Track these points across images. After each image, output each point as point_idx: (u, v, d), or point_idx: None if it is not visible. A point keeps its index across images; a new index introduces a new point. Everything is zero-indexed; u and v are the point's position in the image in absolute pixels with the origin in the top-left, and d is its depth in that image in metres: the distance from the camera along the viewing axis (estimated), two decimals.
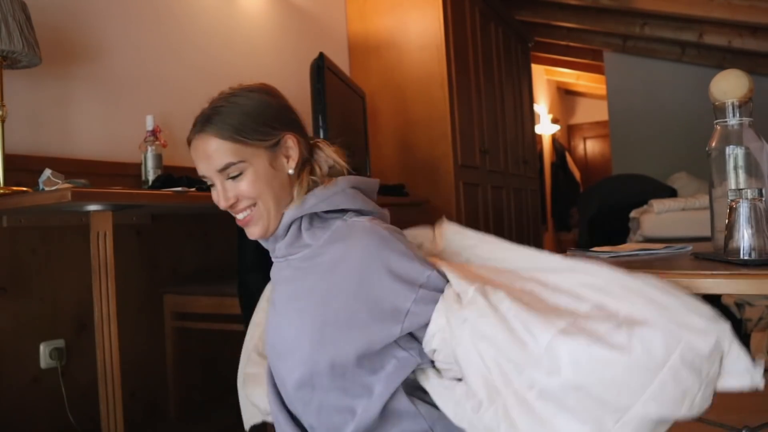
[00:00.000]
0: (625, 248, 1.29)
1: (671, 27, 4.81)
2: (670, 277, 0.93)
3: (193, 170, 2.30)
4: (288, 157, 0.97)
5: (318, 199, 0.94)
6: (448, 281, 0.91)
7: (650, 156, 5.49)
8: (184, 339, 2.24)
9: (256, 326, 1.24)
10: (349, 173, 1.02)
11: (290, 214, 0.95)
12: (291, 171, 0.97)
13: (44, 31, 1.89)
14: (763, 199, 1.00)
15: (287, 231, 0.96)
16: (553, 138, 7.56)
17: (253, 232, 0.97)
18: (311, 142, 1.04)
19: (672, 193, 4.27)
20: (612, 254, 1.19)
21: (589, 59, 6.36)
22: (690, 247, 1.28)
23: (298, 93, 2.68)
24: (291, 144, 0.97)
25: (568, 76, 7.50)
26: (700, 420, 1.73)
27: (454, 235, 1.06)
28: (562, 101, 8.32)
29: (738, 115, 1.16)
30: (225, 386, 2.49)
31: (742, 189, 1.02)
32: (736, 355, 0.73)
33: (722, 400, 2.13)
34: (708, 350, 0.71)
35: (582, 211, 4.51)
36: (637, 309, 0.76)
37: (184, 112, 2.47)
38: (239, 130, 0.94)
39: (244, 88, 1.01)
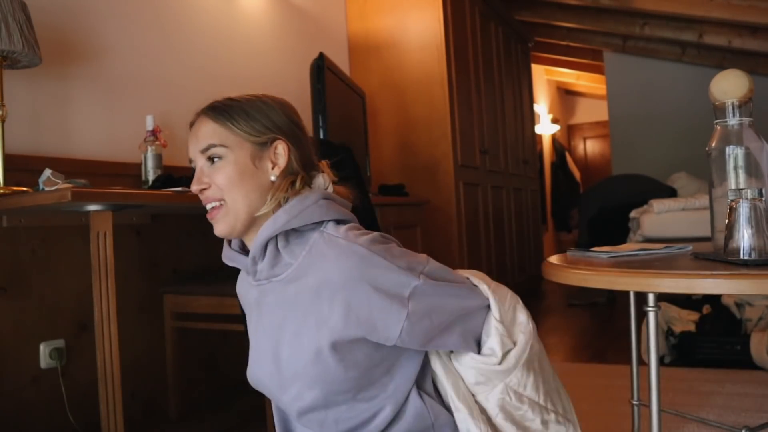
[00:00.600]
0: (625, 248, 1.28)
1: (671, 27, 4.81)
2: (670, 277, 0.93)
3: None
4: (274, 163, 0.94)
5: (290, 215, 0.90)
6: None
7: (650, 156, 5.49)
8: (184, 339, 2.24)
9: None
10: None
11: (264, 233, 0.91)
12: (273, 177, 0.94)
13: (44, 31, 1.89)
14: (763, 199, 1.00)
15: (264, 251, 0.92)
16: (553, 138, 7.56)
17: (218, 229, 0.94)
18: (317, 162, 1.01)
19: (672, 193, 4.27)
20: (612, 254, 1.19)
21: (589, 59, 6.36)
22: (690, 247, 1.28)
23: (298, 93, 2.69)
24: (280, 151, 0.94)
25: (568, 76, 7.50)
26: (700, 420, 1.73)
27: None
28: (562, 101, 8.32)
29: (738, 115, 1.15)
30: (225, 386, 2.49)
31: (742, 189, 1.02)
32: None
33: (722, 400, 2.14)
34: None
35: (582, 211, 4.51)
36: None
37: (184, 112, 2.46)
38: (231, 117, 0.93)
39: (262, 94, 1.00)
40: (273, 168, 0.94)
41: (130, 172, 2.16)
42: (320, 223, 0.92)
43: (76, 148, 2.05)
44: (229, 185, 0.92)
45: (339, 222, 0.93)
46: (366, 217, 1.44)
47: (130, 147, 2.17)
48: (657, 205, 3.63)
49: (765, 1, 3.89)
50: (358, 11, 3.67)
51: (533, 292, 4.88)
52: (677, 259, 1.15)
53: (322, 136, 2.28)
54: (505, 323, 0.95)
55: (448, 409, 0.95)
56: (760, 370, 2.34)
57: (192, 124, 0.97)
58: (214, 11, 2.68)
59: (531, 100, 5.27)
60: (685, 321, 2.60)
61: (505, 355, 0.93)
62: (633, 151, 5.65)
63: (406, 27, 3.53)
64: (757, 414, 1.87)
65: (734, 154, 1.13)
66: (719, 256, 1.04)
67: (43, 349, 1.87)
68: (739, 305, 2.56)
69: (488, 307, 0.95)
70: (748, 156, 1.12)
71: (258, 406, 2.12)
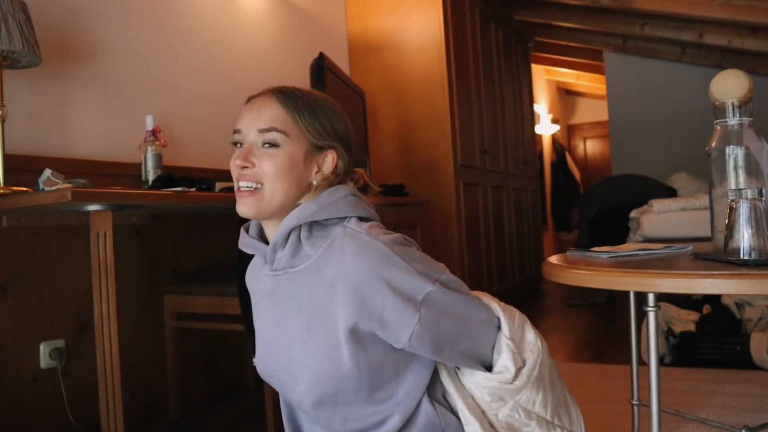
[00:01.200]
0: (625, 248, 1.28)
1: (671, 27, 4.81)
2: (670, 277, 0.93)
3: (193, 170, 2.30)
4: (319, 169, 0.95)
5: (318, 207, 0.91)
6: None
7: (650, 156, 5.49)
8: (184, 339, 2.24)
9: None
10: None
11: (289, 221, 0.91)
12: (314, 181, 0.94)
13: (44, 31, 1.89)
14: (763, 199, 1.00)
15: (286, 240, 0.92)
16: (553, 138, 7.56)
17: (244, 210, 0.92)
18: (353, 169, 1.02)
19: (672, 193, 4.27)
20: (612, 254, 1.19)
21: (589, 59, 6.36)
22: (690, 247, 1.28)
23: None
24: (330, 159, 0.95)
25: (568, 76, 7.50)
26: (700, 420, 1.73)
27: None
28: (562, 101, 8.32)
29: (738, 115, 1.16)
30: (225, 386, 2.49)
31: (742, 189, 1.02)
32: None
33: (722, 400, 2.14)
34: None
35: (582, 211, 4.51)
36: None
37: (184, 112, 2.48)
38: (300, 110, 0.93)
39: (327, 96, 1.00)
40: (317, 172, 0.94)
41: (130, 172, 2.16)
42: (344, 218, 0.92)
43: (76, 148, 2.05)
44: (275, 176, 0.91)
45: (362, 219, 0.93)
46: None
47: (130, 147, 2.17)
48: (657, 205, 3.63)
49: (765, 1, 3.89)
50: (358, 11, 3.67)
51: (533, 292, 4.88)
52: (677, 259, 1.15)
53: None
54: (515, 341, 0.96)
55: (457, 416, 0.95)
56: (760, 370, 2.34)
57: (252, 98, 0.96)
58: (214, 11, 2.68)
59: (531, 100, 5.27)
60: (685, 321, 2.60)
61: (517, 372, 0.93)
62: (633, 151, 5.65)
63: (406, 27, 3.53)
64: (757, 414, 1.87)
65: (734, 154, 1.13)
66: (719, 256, 1.04)
67: (43, 349, 1.87)
68: (739, 305, 2.56)
69: (498, 326, 0.96)
70: (748, 156, 1.12)
71: (258, 406, 2.12)
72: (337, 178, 0.97)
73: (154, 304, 2.18)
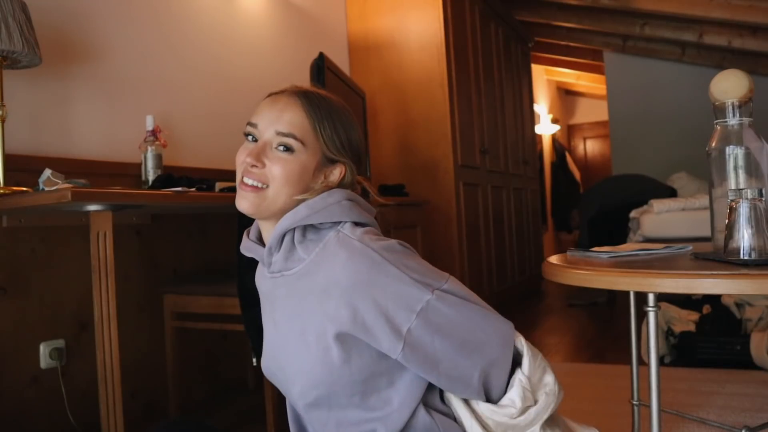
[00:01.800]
0: (625, 248, 1.28)
1: (671, 27, 4.81)
2: (670, 277, 0.93)
3: (193, 170, 2.30)
4: (326, 178, 0.94)
5: (311, 210, 0.89)
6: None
7: (650, 156, 5.49)
8: (184, 339, 2.24)
9: None
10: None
11: (283, 224, 0.90)
12: (317, 188, 0.93)
13: (44, 31, 1.89)
14: (763, 199, 1.00)
15: (281, 243, 0.92)
16: (553, 138, 7.57)
17: (243, 205, 0.91)
18: (356, 178, 1.01)
19: (672, 193, 4.27)
20: (612, 254, 1.19)
21: (589, 59, 6.36)
22: (690, 247, 1.28)
23: None
24: (337, 173, 0.95)
25: (568, 76, 7.50)
26: (700, 420, 1.73)
27: None
28: (562, 101, 8.32)
29: (738, 115, 1.16)
30: (225, 386, 2.49)
31: (742, 189, 1.02)
32: None
33: (722, 400, 2.14)
34: None
35: (582, 211, 4.51)
36: None
37: (184, 112, 2.48)
38: (322, 120, 0.92)
39: (345, 104, 1.00)
40: (322, 183, 0.94)
41: (130, 172, 2.16)
42: (338, 222, 0.91)
43: (76, 148, 2.05)
44: (284, 181, 0.90)
45: (357, 224, 0.91)
46: None
47: (130, 147, 2.17)
48: (657, 205, 3.63)
49: (765, 1, 3.89)
50: (358, 11, 3.67)
51: (533, 292, 4.88)
52: (677, 259, 1.15)
53: None
54: (532, 381, 0.90)
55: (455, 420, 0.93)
56: (760, 370, 2.34)
57: (274, 95, 0.95)
58: (214, 11, 2.68)
59: (531, 100, 5.27)
60: (685, 321, 2.60)
61: (525, 409, 0.89)
62: (633, 151, 5.65)
63: (406, 27, 3.53)
64: (757, 414, 1.87)
65: (734, 154, 1.13)
66: (719, 256, 1.04)
67: (43, 349, 1.87)
68: (739, 305, 2.56)
69: (510, 349, 0.90)
70: (748, 156, 1.12)
71: (258, 406, 2.12)
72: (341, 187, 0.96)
73: (154, 304, 2.18)
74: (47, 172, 1.60)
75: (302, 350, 0.90)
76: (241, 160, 0.92)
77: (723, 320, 2.53)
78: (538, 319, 3.85)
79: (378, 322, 0.83)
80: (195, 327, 2.18)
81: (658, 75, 5.57)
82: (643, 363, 1.55)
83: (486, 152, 3.96)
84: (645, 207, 3.78)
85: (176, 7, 2.49)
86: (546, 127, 7.35)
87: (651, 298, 1.03)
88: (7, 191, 1.62)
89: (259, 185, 0.91)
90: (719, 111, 1.18)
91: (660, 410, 1.03)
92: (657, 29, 4.87)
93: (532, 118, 5.29)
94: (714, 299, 2.68)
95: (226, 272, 2.37)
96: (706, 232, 1.26)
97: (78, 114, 2.06)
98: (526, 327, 3.54)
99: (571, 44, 5.97)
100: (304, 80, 2.35)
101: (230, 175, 2.60)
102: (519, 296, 4.46)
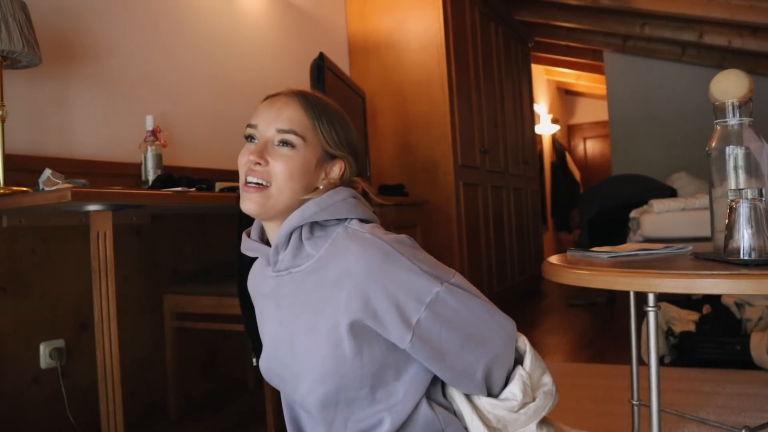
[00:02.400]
0: (625, 248, 1.28)
1: (671, 27, 4.81)
2: (670, 277, 0.93)
3: (193, 170, 2.30)
4: (326, 176, 0.97)
5: (319, 207, 0.92)
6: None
7: (650, 156, 5.49)
8: (184, 339, 2.24)
9: None
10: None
11: (291, 221, 0.92)
12: (320, 186, 0.96)
13: (44, 31, 1.89)
14: (763, 199, 1.00)
15: (288, 240, 0.93)
16: (553, 138, 7.57)
17: (248, 207, 0.93)
18: (353, 178, 1.03)
19: (672, 193, 4.27)
20: (612, 254, 1.19)
21: (589, 59, 6.36)
22: (690, 247, 1.28)
23: None
24: (337, 169, 0.97)
25: (568, 76, 7.50)
26: (700, 420, 1.73)
27: None
28: (562, 101, 8.32)
29: (738, 115, 1.16)
30: (225, 386, 2.49)
31: (742, 189, 1.02)
32: None
33: (722, 400, 2.14)
34: None
35: (582, 211, 4.51)
36: None
37: (184, 112, 2.48)
38: (320, 117, 0.94)
39: (340, 107, 1.03)
40: (323, 178, 0.96)
41: (130, 172, 2.16)
42: (344, 219, 0.93)
43: (76, 148, 2.05)
44: (286, 177, 0.92)
45: (363, 221, 0.94)
46: None
47: (130, 147, 2.17)
48: (657, 205, 3.63)
49: (765, 1, 3.89)
50: (358, 11, 3.67)
51: (533, 292, 4.88)
52: (677, 259, 1.15)
53: None
54: (533, 378, 0.94)
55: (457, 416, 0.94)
56: (760, 370, 2.34)
57: (271, 97, 0.97)
58: (214, 11, 2.68)
59: (531, 100, 5.27)
60: (685, 321, 2.60)
61: (524, 404, 0.92)
62: (633, 151, 5.65)
63: (406, 27, 3.53)
64: (757, 414, 1.87)
65: (734, 154, 1.13)
66: (719, 256, 1.04)
67: (43, 349, 1.87)
68: (739, 305, 2.56)
69: (512, 347, 0.94)
70: (748, 156, 1.12)
71: (258, 406, 2.12)
72: (341, 184, 0.98)
73: (154, 304, 2.18)
74: (47, 172, 1.60)
75: (312, 346, 0.91)
76: (244, 162, 0.94)
77: (723, 320, 2.53)
78: (538, 319, 3.85)
79: (389, 312, 0.85)
80: (195, 327, 2.18)
81: (658, 75, 5.57)
82: (643, 363, 1.55)
83: (486, 152, 3.96)
84: (645, 207, 3.78)
85: (176, 8, 2.49)
86: (546, 127, 7.35)
87: (651, 298, 1.03)
88: (7, 191, 1.62)
89: (263, 183, 0.92)
90: (719, 111, 1.18)
91: (660, 410, 1.04)
92: (657, 29, 4.87)
93: (532, 118, 5.29)
94: (714, 299, 2.68)
95: (226, 272, 2.37)
96: (706, 232, 1.26)
97: (78, 114, 2.06)
98: (526, 327, 3.54)
99: (571, 44, 5.97)
100: (304, 80, 2.35)
101: (230, 175, 2.60)
102: (519, 296, 4.46)
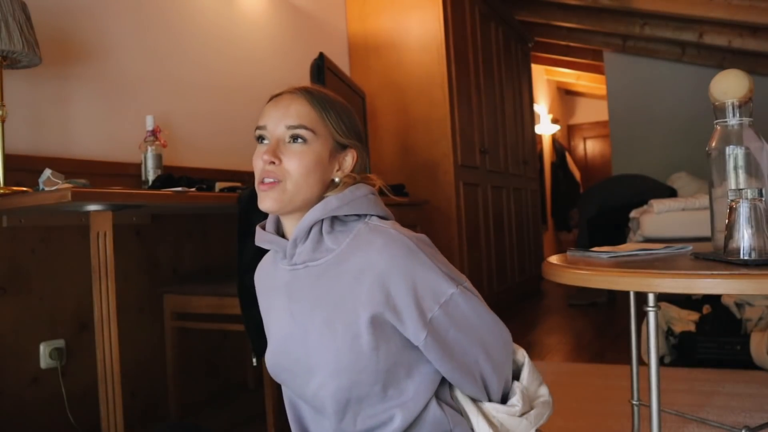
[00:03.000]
0: (625, 248, 1.29)
1: (671, 27, 4.81)
2: (670, 277, 0.93)
3: (193, 170, 2.30)
4: (340, 167, 0.98)
5: (341, 202, 0.93)
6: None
7: (650, 156, 5.49)
8: (184, 339, 2.24)
9: None
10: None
11: (312, 215, 0.93)
12: (336, 179, 0.97)
13: (44, 31, 1.89)
14: (763, 199, 1.00)
15: (308, 234, 0.94)
16: (553, 138, 7.57)
17: (267, 205, 0.93)
18: (366, 174, 1.05)
19: (672, 193, 4.27)
20: (612, 254, 1.19)
21: (589, 59, 6.36)
22: (690, 247, 1.28)
23: None
24: (350, 158, 0.98)
25: (568, 76, 7.50)
26: (700, 420, 1.73)
27: None
28: (562, 101, 8.32)
29: (738, 115, 1.16)
30: (225, 386, 2.49)
31: (742, 189, 1.02)
32: None
33: (722, 400, 2.14)
34: None
35: (582, 211, 4.51)
36: None
37: (184, 112, 2.48)
38: (327, 109, 0.96)
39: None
40: (338, 170, 0.98)
41: (130, 172, 2.16)
42: (364, 216, 0.95)
43: (76, 148, 2.05)
44: (301, 173, 0.92)
45: (381, 218, 0.96)
46: None
47: (130, 147, 2.17)
48: (657, 205, 3.63)
49: (765, 1, 3.89)
50: (358, 11, 3.67)
51: (533, 292, 4.88)
52: (677, 259, 1.15)
53: None
54: (530, 390, 0.97)
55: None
56: (760, 370, 2.34)
57: (276, 96, 0.98)
58: (214, 11, 2.68)
59: (531, 100, 5.27)
60: (685, 321, 2.60)
61: (525, 413, 0.94)
62: (633, 151, 5.64)
63: (406, 27, 3.53)
64: (757, 414, 1.87)
65: (734, 154, 1.13)
66: (719, 256, 1.04)
67: (43, 349, 1.87)
68: (739, 305, 2.56)
69: (510, 357, 0.97)
70: (748, 156, 1.12)
71: (258, 406, 2.12)
72: (359, 176, 1.00)
73: (154, 304, 2.18)
74: (47, 172, 1.60)
75: (327, 339, 0.91)
76: (258, 163, 0.95)
77: (723, 320, 2.53)
78: (538, 319, 3.85)
79: (408, 308, 0.87)
80: (195, 327, 2.18)
81: (658, 75, 5.56)
82: (643, 363, 1.55)
83: (486, 152, 3.96)
84: (645, 207, 3.78)
85: (176, 8, 2.49)
86: (546, 127, 7.35)
87: (651, 298, 1.03)
88: (7, 191, 1.62)
89: (278, 181, 0.93)
90: (719, 111, 1.18)
91: (660, 410, 1.04)
92: (657, 29, 4.87)
93: (532, 118, 5.29)
94: (714, 299, 2.68)
95: (226, 272, 2.37)
96: (706, 232, 1.26)
97: (78, 114, 2.06)
98: (526, 327, 3.54)
99: (571, 44, 5.97)
100: (304, 80, 2.35)
101: (230, 175, 2.60)
102: (519, 296, 4.46)
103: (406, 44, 3.53)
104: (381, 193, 1.03)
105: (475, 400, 0.95)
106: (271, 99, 0.98)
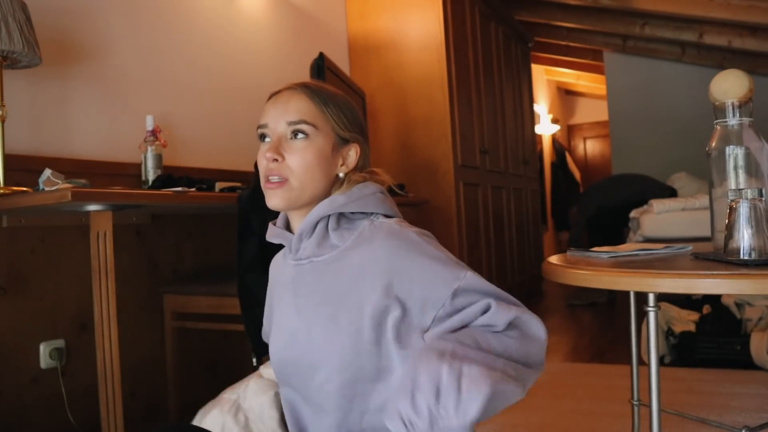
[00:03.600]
0: (625, 248, 1.28)
1: (671, 27, 4.81)
2: (670, 277, 0.93)
3: (193, 170, 2.30)
4: (344, 162, 0.98)
5: (349, 199, 0.94)
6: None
7: (650, 156, 5.49)
8: (184, 339, 2.24)
9: None
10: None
11: (319, 210, 0.94)
12: (341, 174, 0.97)
13: (44, 31, 1.89)
14: (763, 199, 1.00)
15: (313, 229, 0.95)
16: (553, 138, 7.57)
17: (274, 203, 0.94)
18: (372, 169, 1.05)
19: (672, 193, 4.28)
20: (612, 254, 1.19)
21: (589, 59, 6.36)
22: (690, 247, 1.28)
23: None
24: (353, 152, 0.99)
25: (568, 76, 7.50)
26: (700, 420, 1.73)
27: None
28: (562, 101, 8.32)
29: (738, 115, 1.16)
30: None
31: (742, 189, 1.02)
32: None
33: (722, 400, 2.14)
34: None
35: (581, 210, 4.52)
36: None
37: (184, 112, 2.48)
38: (327, 103, 0.96)
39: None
40: (342, 165, 0.98)
41: (130, 172, 2.16)
42: (371, 213, 0.95)
43: (76, 148, 2.05)
44: (305, 168, 0.93)
45: (387, 217, 0.96)
46: None
47: (130, 147, 2.17)
48: (657, 205, 3.63)
49: (765, 1, 3.89)
50: (358, 11, 3.67)
51: (533, 292, 4.88)
52: (677, 259, 1.15)
53: None
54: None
55: None
56: (760, 370, 2.34)
57: (275, 94, 0.98)
58: (214, 11, 2.68)
59: (531, 100, 5.27)
60: (685, 321, 2.60)
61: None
62: (633, 151, 5.65)
63: (406, 27, 3.53)
64: (757, 414, 1.87)
65: (734, 154, 1.13)
66: (719, 256, 1.04)
67: (43, 349, 1.87)
68: (739, 305, 2.56)
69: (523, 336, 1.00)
70: (748, 156, 1.12)
71: None
72: (367, 174, 1.00)
73: (154, 304, 2.18)
74: (47, 172, 1.60)
75: (332, 334, 0.91)
76: (262, 161, 0.95)
77: (723, 320, 2.53)
78: None
79: (416, 291, 0.87)
80: (195, 327, 2.18)
81: (658, 75, 5.57)
82: (643, 363, 1.55)
83: (486, 152, 3.96)
84: (645, 207, 3.79)
85: (176, 8, 2.48)
86: (546, 127, 7.35)
87: (651, 298, 1.03)
88: (7, 191, 1.62)
89: (281, 179, 0.93)
90: (719, 111, 1.18)
91: (660, 410, 1.04)
92: (657, 29, 4.87)
93: (532, 118, 5.29)
94: (714, 299, 2.68)
95: (226, 272, 2.37)
96: (706, 232, 1.26)
97: (78, 114, 2.06)
98: None
99: (571, 44, 5.97)
100: (304, 79, 2.35)
101: (230, 175, 2.60)
102: (519, 296, 4.44)
103: (406, 44, 3.53)
104: (390, 191, 1.03)
105: None
106: (270, 97, 0.99)
